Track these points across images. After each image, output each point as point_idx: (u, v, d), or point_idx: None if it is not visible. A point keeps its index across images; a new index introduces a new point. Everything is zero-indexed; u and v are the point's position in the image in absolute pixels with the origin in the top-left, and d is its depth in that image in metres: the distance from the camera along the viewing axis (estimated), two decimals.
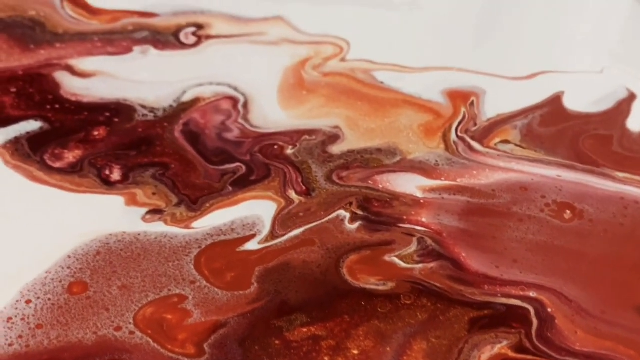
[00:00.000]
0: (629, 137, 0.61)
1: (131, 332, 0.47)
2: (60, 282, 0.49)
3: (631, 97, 0.70)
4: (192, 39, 0.64)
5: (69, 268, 0.50)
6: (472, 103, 0.61)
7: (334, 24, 0.67)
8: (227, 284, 0.50)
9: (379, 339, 0.48)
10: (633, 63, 0.66)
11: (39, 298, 0.48)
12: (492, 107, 0.62)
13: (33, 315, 0.47)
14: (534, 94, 0.64)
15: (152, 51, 0.62)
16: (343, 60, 0.63)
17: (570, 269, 0.52)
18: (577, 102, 0.63)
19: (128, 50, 0.62)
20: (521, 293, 0.51)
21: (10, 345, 0.45)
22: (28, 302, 0.48)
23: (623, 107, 0.67)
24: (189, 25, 0.65)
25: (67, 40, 0.62)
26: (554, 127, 0.61)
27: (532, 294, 0.51)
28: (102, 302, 0.48)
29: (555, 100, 0.63)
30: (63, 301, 0.48)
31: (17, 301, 0.48)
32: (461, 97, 0.62)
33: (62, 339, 0.47)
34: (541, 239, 0.53)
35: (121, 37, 0.63)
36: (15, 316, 0.47)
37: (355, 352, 0.47)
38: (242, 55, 0.63)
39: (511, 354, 0.48)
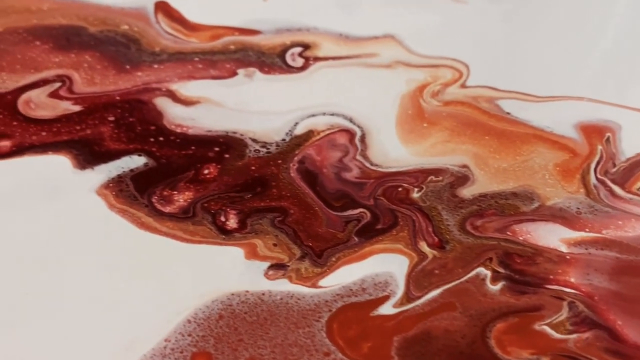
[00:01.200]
0: None
1: None
2: (182, 352, 0.41)
3: None
4: (300, 61, 0.54)
5: (189, 335, 0.42)
6: (608, 140, 0.53)
7: (450, 44, 0.58)
8: (364, 357, 0.41)
9: None
10: None
11: None
12: (630, 145, 0.54)
13: None
14: None
15: (258, 75, 0.54)
16: (463, 86, 0.54)
17: None
18: None
19: (232, 73, 0.53)
20: None
21: None
22: None
23: None
24: (294, 44, 0.55)
25: (166, 61, 0.53)
26: None
27: None
28: None
29: None
30: None
31: None
32: (596, 133, 0.53)
33: None
34: None
35: (224, 58, 0.54)
36: None
37: None
38: (354, 80, 0.55)
39: None
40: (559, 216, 0.50)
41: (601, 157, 0.54)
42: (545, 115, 0.56)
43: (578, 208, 0.51)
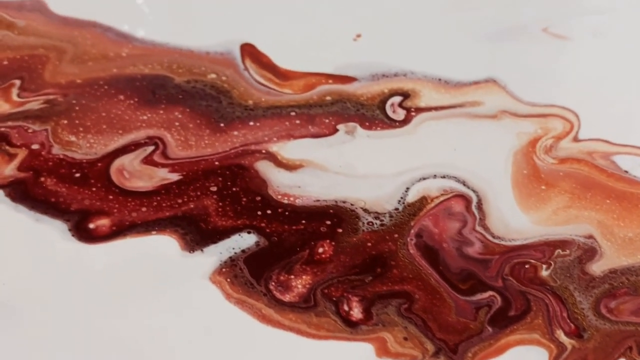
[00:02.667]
0: None
1: None
2: None
3: None
4: (401, 113, 0.50)
5: None
6: None
7: (556, 87, 0.54)
8: None
9: None
10: None
11: None
12: None
13: None
14: None
15: (360, 131, 0.49)
16: (576, 139, 0.50)
17: None
18: None
19: (332, 129, 0.48)
20: None
21: None
22: None
23: None
24: (393, 93, 0.51)
25: (261, 117, 0.48)
26: None
27: None
28: None
29: None
30: None
31: None
32: None
33: None
34: None
35: (321, 112, 0.49)
36: None
37: None
38: (461, 134, 0.51)
39: None
40: None
41: None
42: None
43: None
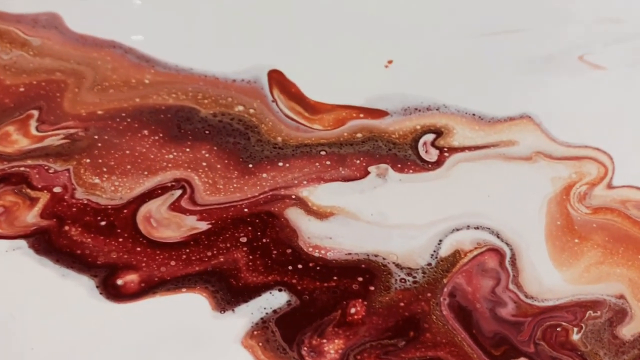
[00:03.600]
0: None
1: None
2: None
3: None
4: (434, 154, 0.49)
5: None
6: None
7: (592, 124, 0.53)
8: None
9: None
10: None
11: None
12: None
13: None
14: None
15: (391, 173, 0.47)
16: (610, 186, 0.50)
17: None
18: None
19: (364, 172, 0.48)
20: None
21: None
22: None
23: None
24: (425, 130, 0.50)
25: (290, 156, 0.47)
26: None
27: None
28: None
29: None
30: None
31: None
32: None
33: None
34: None
35: (352, 152, 0.48)
36: None
37: None
38: (495, 178, 0.51)
39: None
40: None
41: None
42: None
43: None
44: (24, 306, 0.46)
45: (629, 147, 0.56)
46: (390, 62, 0.55)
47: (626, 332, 0.49)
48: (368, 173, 0.52)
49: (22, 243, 0.47)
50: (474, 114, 0.55)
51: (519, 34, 0.58)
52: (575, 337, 0.48)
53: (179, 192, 0.50)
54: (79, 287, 0.47)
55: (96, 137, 0.51)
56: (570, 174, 0.54)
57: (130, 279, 0.47)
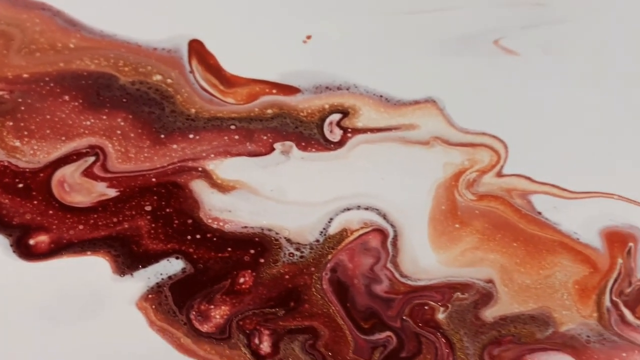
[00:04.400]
0: None
1: None
2: None
3: None
4: (338, 133, 0.55)
5: None
6: (629, 251, 0.56)
7: (493, 112, 0.57)
8: None
9: None
10: None
11: None
12: None
13: None
14: None
15: (295, 151, 0.53)
16: (499, 174, 0.56)
17: None
18: None
19: (269, 148, 0.54)
20: None
21: None
22: None
23: None
24: (333, 109, 0.55)
25: (201, 129, 0.53)
26: None
27: None
28: None
29: None
30: None
31: None
32: (619, 242, 0.56)
33: None
34: None
35: (261, 127, 0.54)
36: None
37: None
38: (391, 162, 0.57)
39: None
40: (570, 345, 0.54)
41: (619, 274, 0.56)
42: (575, 216, 0.58)
43: (588, 336, 0.54)
44: None
45: (526, 136, 0.60)
46: (309, 37, 0.59)
47: (488, 314, 0.55)
48: (273, 149, 0.57)
49: None
50: (381, 96, 0.59)
51: (438, 14, 0.61)
52: (440, 316, 0.54)
53: (92, 158, 0.55)
54: None
55: (20, 100, 0.55)
56: (462, 161, 0.59)
57: (41, 239, 0.53)
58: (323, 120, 0.59)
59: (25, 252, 0.53)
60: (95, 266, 0.54)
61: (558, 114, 0.62)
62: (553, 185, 0.60)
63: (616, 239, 0.60)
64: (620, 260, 0.59)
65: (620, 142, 0.61)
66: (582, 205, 0.60)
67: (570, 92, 0.62)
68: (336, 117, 0.59)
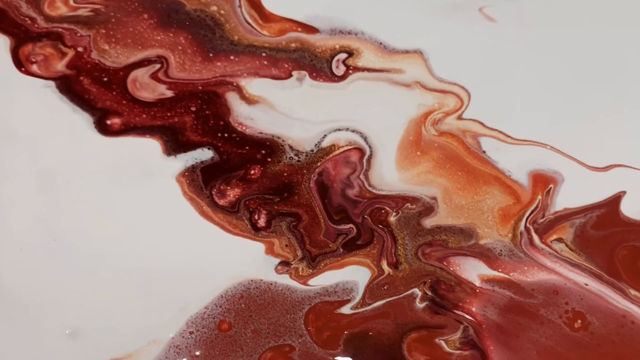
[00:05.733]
0: None
1: None
2: (214, 319, 0.72)
3: None
4: (342, 69, 0.76)
5: (220, 307, 0.72)
6: (549, 191, 0.76)
7: (466, 66, 0.78)
8: (323, 342, 0.72)
9: None
10: None
11: (199, 330, 0.71)
12: (563, 199, 0.78)
13: (193, 345, 0.71)
14: (603, 189, 0.76)
15: (307, 80, 0.75)
16: (460, 117, 0.76)
17: None
18: (633, 206, 0.76)
19: (288, 74, 0.76)
20: None
21: None
22: (191, 332, 0.71)
23: None
24: (341, 49, 0.76)
25: (240, 52, 0.75)
26: (603, 231, 0.76)
27: None
28: (239, 342, 0.72)
29: (615, 201, 0.77)
30: (214, 336, 0.71)
31: (184, 331, 0.71)
32: (542, 183, 0.76)
33: None
34: (550, 343, 0.74)
35: (285, 57, 0.76)
36: (181, 344, 0.70)
37: None
38: (379, 97, 0.78)
39: None
40: (485, 255, 0.75)
41: (536, 207, 0.76)
42: (512, 157, 0.77)
43: (501, 250, 0.75)
44: (47, 125, 0.75)
45: (487, 90, 0.79)
46: None
47: (427, 223, 0.77)
48: (291, 76, 0.78)
49: (52, 83, 0.76)
50: (380, 43, 0.79)
51: None
52: (392, 218, 0.76)
53: (158, 65, 0.76)
54: (82, 120, 0.76)
55: (112, 14, 0.77)
56: (433, 103, 0.79)
57: (115, 121, 0.76)
58: (333, 57, 0.79)
59: (103, 129, 0.76)
60: (150, 146, 0.76)
61: (518, 75, 0.80)
62: (499, 132, 0.79)
63: (540, 180, 0.79)
64: (539, 197, 0.79)
65: (562, 105, 0.79)
66: (520, 150, 0.79)
67: (531, 59, 0.79)
68: (343, 56, 0.79)
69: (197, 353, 0.76)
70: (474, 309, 0.79)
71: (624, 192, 0.81)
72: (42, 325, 0.76)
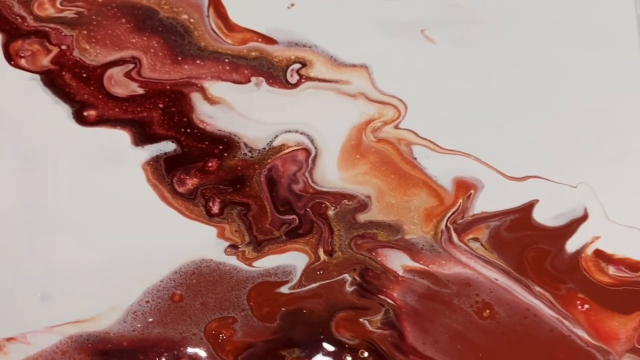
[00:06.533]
0: (561, 257, 0.89)
1: (200, 338, 0.87)
2: (168, 291, 0.83)
3: (583, 217, 0.86)
4: (295, 78, 0.87)
5: (174, 281, 0.84)
6: (470, 196, 0.86)
7: (406, 82, 0.87)
8: (262, 316, 0.84)
9: None
10: (602, 183, 0.86)
11: (154, 300, 0.82)
12: (482, 203, 0.87)
13: (148, 312, 0.81)
14: (518, 197, 0.86)
15: (264, 86, 0.86)
16: (396, 127, 0.86)
17: (468, 357, 0.84)
18: (544, 213, 0.86)
19: (247, 80, 0.86)
20: None
21: (133, 331, 0.85)
22: (147, 302, 0.82)
23: (572, 227, 0.90)
24: (297, 60, 0.86)
25: (206, 58, 0.86)
26: (514, 234, 0.87)
27: None
28: (188, 312, 0.83)
29: (528, 208, 0.87)
30: (167, 306, 0.82)
31: (141, 300, 0.81)
32: (464, 188, 0.87)
33: (161, 333, 0.88)
34: (460, 329, 0.86)
35: (245, 64, 0.86)
36: (138, 311, 0.81)
37: None
38: (326, 104, 0.88)
39: None
40: (409, 248, 0.86)
41: (457, 209, 0.87)
42: (439, 164, 0.88)
43: (423, 245, 0.86)
44: (33, 114, 0.85)
45: (423, 103, 0.89)
46: (292, 5, 0.88)
47: (361, 217, 0.87)
48: (249, 81, 0.88)
49: (37, 77, 0.86)
50: (331, 56, 0.88)
51: (386, 3, 0.88)
52: (330, 212, 0.87)
53: (132, 65, 0.86)
54: (62, 111, 0.87)
55: (93, 17, 0.87)
56: (374, 113, 0.89)
57: (91, 113, 0.86)
58: (288, 66, 0.88)
59: (80, 119, 0.86)
60: (121, 137, 0.86)
61: (451, 92, 0.89)
62: (430, 141, 0.88)
63: (462, 186, 0.90)
64: (460, 201, 0.89)
65: (488, 120, 0.89)
66: (446, 158, 0.89)
67: (464, 78, 0.89)
68: (297, 66, 0.89)
69: (151, 320, 0.87)
70: (395, 295, 0.90)
71: (537, 201, 0.91)
72: (18, 289, 0.87)
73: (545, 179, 0.87)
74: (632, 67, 0.88)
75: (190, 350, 0.89)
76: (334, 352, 0.90)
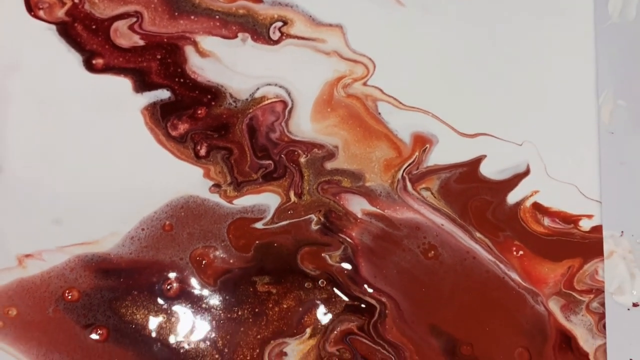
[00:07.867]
0: (501, 207, 0.96)
1: (186, 262, 1.04)
2: (160, 221, 0.98)
3: (526, 173, 0.94)
4: (277, 35, 0.99)
5: (165, 213, 0.99)
6: (425, 150, 0.98)
7: (375, 42, 0.97)
8: (239, 247, 0.99)
9: (298, 302, 1.05)
10: (545, 143, 0.97)
11: (148, 228, 0.97)
12: (435, 157, 0.98)
13: (144, 239, 0.96)
14: (468, 152, 0.97)
15: (249, 41, 0.99)
16: (365, 84, 0.98)
17: (412, 291, 0.99)
18: (490, 168, 0.97)
19: (234, 35, 0.98)
20: (377, 296, 1.05)
21: (130, 254, 1.02)
22: (142, 229, 0.96)
23: (514, 181, 0.95)
24: (279, 18, 0.98)
25: (199, 14, 0.99)
26: (462, 185, 0.98)
27: (383, 299, 1.05)
28: (177, 240, 0.99)
29: (475, 163, 0.98)
30: (159, 234, 0.97)
31: (137, 227, 0.96)
32: (421, 142, 1.00)
33: (154, 256, 1.05)
34: (407, 266, 1.02)
35: (233, 20, 0.98)
36: (134, 237, 0.95)
37: (284, 305, 1.05)
38: (304, 61, 0.99)
39: (355, 330, 1.03)
40: (368, 194, 0.99)
41: (413, 161, 1.00)
42: (400, 120, 0.98)
43: (380, 192, 0.99)
44: (47, 60, 0.97)
45: (391, 61, 0.98)
46: None
47: (328, 165, 1.00)
48: (237, 37, 0.98)
49: (53, 27, 0.97)
50: (310, 16, 0.98)
51: None
52: (302, 159, 0.99)
53: (135, 19, 0.97)
54: (74, 58, 0.99)
55: None
56: (345, 70, 0.98)
57: (99, 61, 0.98)
58: (271, 24, 0.98)
59: (89, 67, 0.99)
60: (123, 84, 0.98)
61: (416, 52, 0.98)
62: (394, 98, 0.98)
63: (419, 140, 1.00)
64: (416, 154, 1.00)
65: (447, 81, 0.98)
66: (408, 115, 0.98)
67: (429, 40, 0.97)
68: (279, 24, 0.98)
69: (145, 245, 1.00)
70: (354, 234, 1.02)
71: (485, 156, 1.00)
72: (35, 214, 1.01)
73: (494, 137, 0.95)
74: (578, 29, 0.95)
75: (177, 272, 1.03)
76: (297, 280, 1.03)
